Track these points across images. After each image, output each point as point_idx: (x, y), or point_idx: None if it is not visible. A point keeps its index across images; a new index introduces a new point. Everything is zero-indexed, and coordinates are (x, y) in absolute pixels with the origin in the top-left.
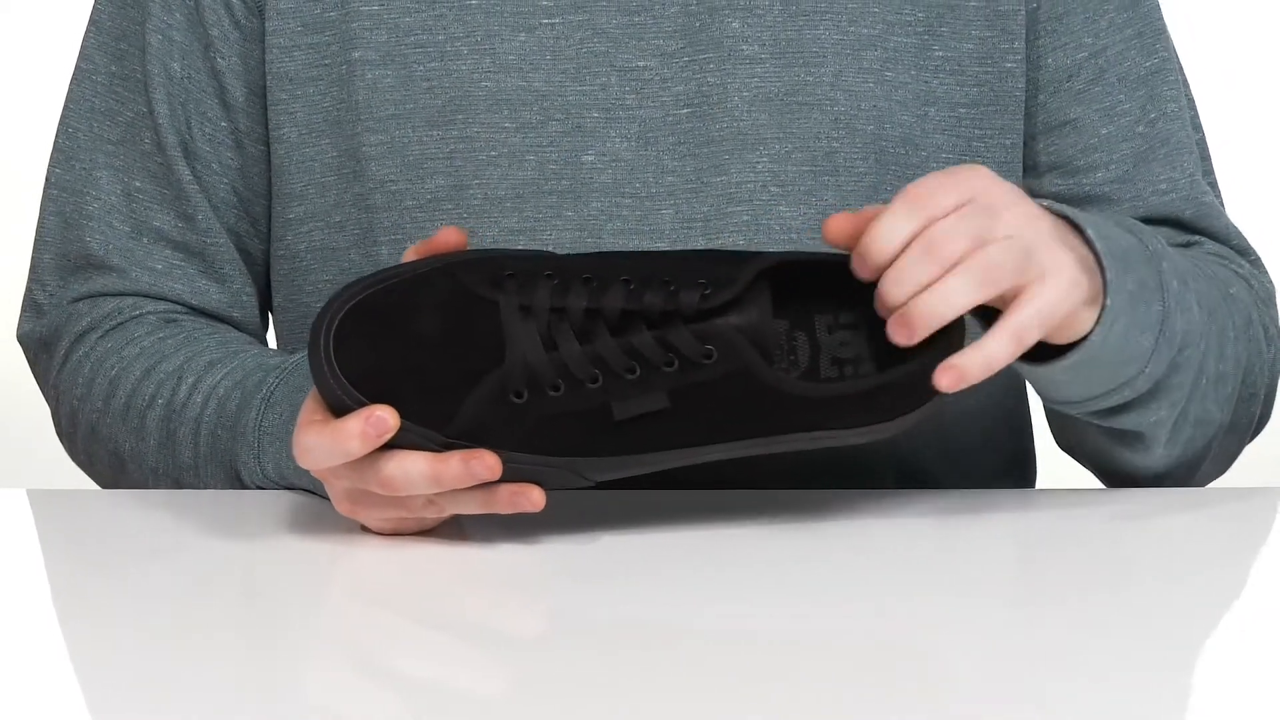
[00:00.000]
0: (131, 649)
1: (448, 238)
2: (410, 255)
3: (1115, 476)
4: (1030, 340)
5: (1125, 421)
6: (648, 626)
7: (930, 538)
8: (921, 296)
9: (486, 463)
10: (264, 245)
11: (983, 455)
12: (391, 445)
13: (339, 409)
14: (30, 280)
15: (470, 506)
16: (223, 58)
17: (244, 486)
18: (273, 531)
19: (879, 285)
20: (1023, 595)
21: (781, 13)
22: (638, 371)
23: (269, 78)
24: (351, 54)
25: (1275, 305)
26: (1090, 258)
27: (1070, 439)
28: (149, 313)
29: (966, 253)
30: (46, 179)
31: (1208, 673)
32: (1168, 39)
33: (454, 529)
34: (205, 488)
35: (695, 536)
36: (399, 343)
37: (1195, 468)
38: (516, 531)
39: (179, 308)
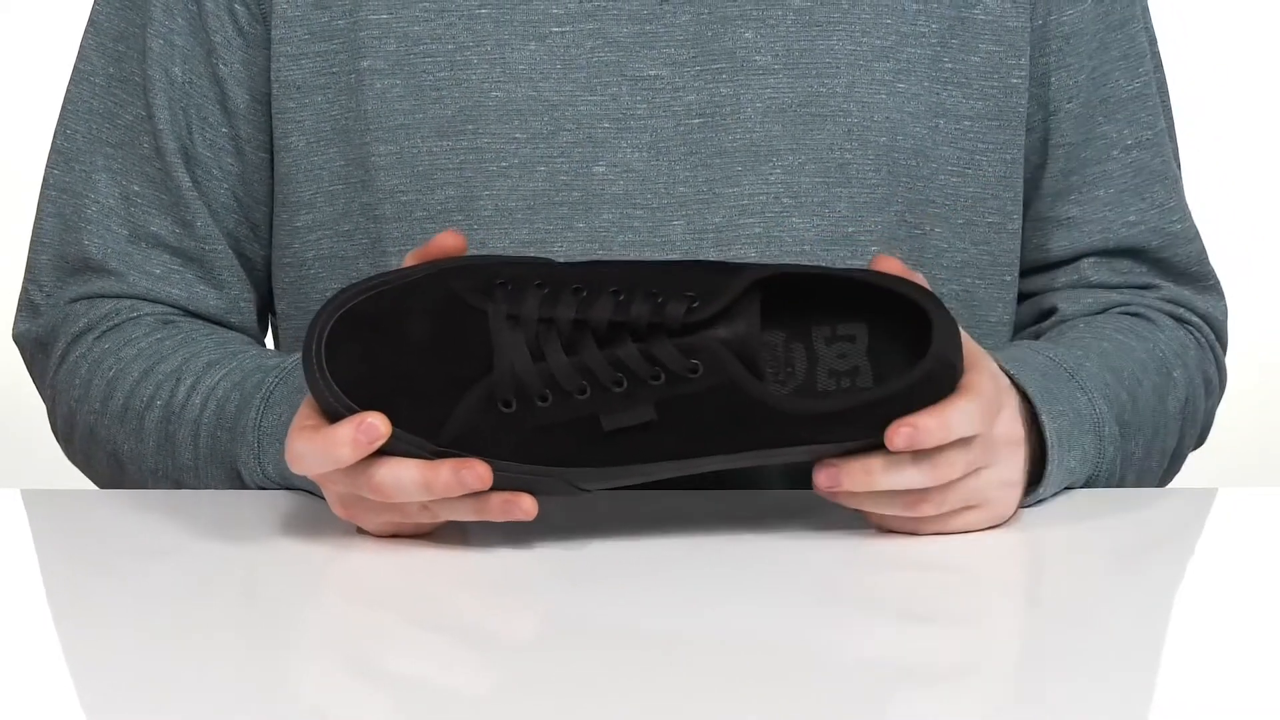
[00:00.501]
0: (130, 649)
1: (445, 242)
2: (409, 260)
3: None
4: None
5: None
6: (642, 628)
7: (928, 538)
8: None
9: (477, 472)
10: (264, 251)
11: None
12: (383, 452)
13: (332, 415)
14: (26, 280)
15: (463, 514)
16: (225, 64)
17: (245, 487)
18: (271, 532)
19: (895, 435)
20: (1022, 595)
21: (794, 23)
22: (624, 384)
23: (276, 85)
24: (360, 63)
25: (1225, 335)
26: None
27: None
28: (146, 314)
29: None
30: (45, 180)
31: (1206, 673)
32: (1152, 60)
33: (452, 531)
34: (205, 488)
35: (690, 537)
36: (390, 350)
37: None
38: (514, 533)
39: (176, 310)
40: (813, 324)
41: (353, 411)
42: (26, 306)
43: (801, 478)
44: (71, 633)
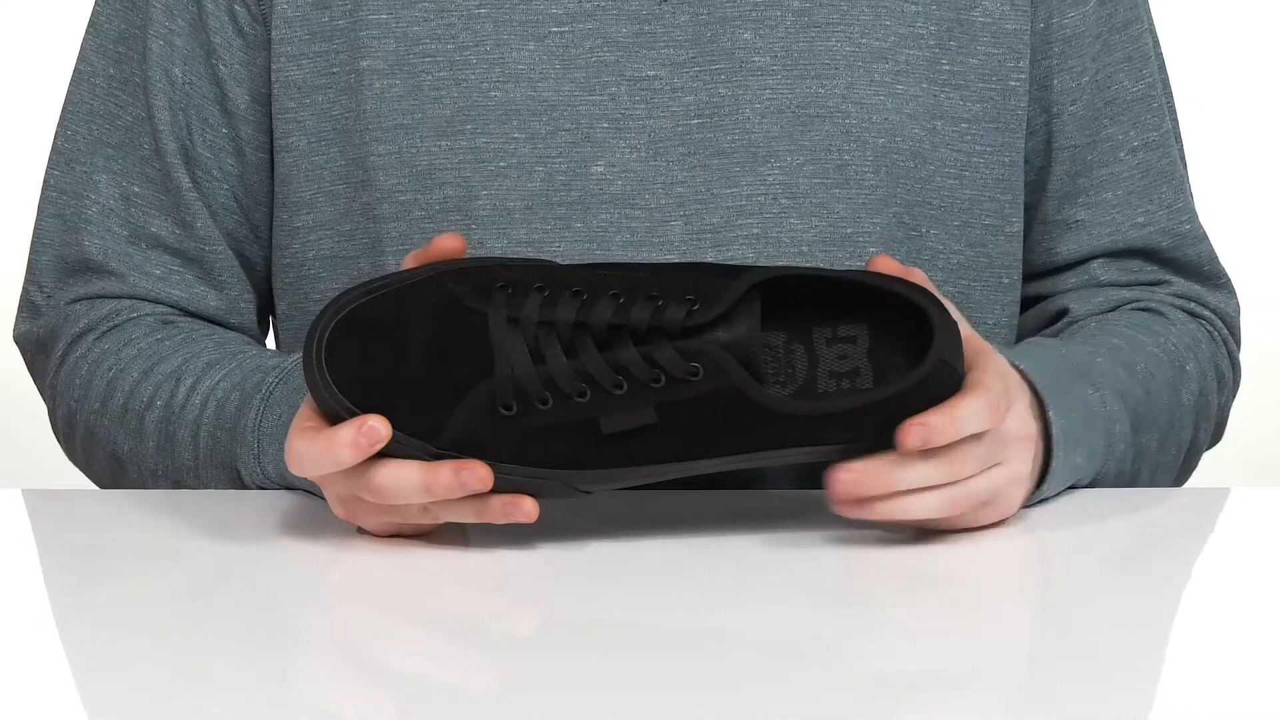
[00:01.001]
0: (130, 649)
1: (445, 244)
2: (409, 262)
3: None
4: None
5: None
6: (642, 627)
7: (934, 538)
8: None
9: (478, 474)
10: (264, 252)
11: None
12: (384, 454)
13: (332, 417)
14: (27, 280)
15: (463, 516)
16: (225, 64)
17: (245, 487)
18: (272, 532)
19: (907, 434)
20: (1024, 595)
21: (793, 24)
22: (625, 387)
23: (276, 85)
24: (360, 63)
25: (1238, 331)
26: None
27: None
28: (146, 314)
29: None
30: (45, 180)
31: (1216, 678)
32: (1156, 61)
33: (452, 531)
34: (205, 488)
35: (691, 537)
36: (391, 352)
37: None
38: (515, 533)
39: (176, 310)
40: (813, 325)
41: (353, 414)
42: (27, 307)
43: (802, 477)
44: (72, 632)
